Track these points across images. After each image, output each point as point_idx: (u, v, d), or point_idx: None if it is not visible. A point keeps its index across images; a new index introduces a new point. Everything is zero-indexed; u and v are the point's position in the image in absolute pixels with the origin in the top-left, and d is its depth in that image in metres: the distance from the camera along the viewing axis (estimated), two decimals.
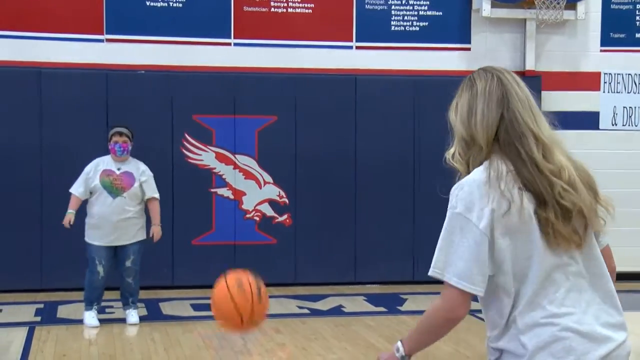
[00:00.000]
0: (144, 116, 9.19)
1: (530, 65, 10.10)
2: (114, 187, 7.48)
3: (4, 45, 9.21)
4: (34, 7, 9.26)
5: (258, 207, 9.71)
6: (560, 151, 2.39)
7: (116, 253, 7.60)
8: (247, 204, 9.68)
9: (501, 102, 2.38)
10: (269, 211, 9.73)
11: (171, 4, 9.59)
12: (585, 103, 10.22)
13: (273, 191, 9.71)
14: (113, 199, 7.48)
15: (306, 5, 9.85)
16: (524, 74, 10.05)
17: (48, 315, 8.19)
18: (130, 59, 9.46)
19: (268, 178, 9.70)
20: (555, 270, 2.31)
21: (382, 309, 8.63)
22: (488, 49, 10.16)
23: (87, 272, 7.66)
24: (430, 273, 2.35)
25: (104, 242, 7.51)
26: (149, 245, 7.85)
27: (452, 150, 2.46)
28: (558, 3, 9.57)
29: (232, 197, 9.59)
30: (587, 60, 10.31)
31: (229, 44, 9.70)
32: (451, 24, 10.10)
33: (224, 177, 9.55)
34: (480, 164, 2.38)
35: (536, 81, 9.93)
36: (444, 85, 10.51)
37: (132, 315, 7.76)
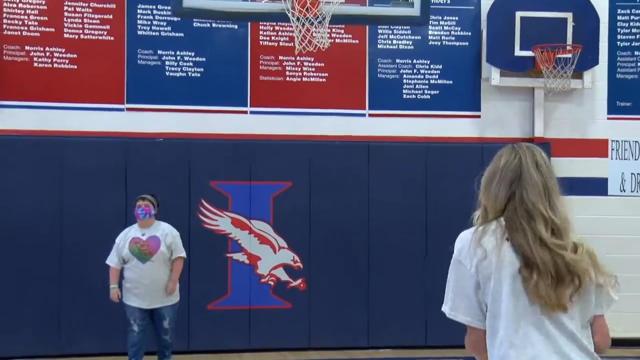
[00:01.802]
0: (162, 182, 9.33)
1: (539, 132, 10.22)
2: (142, 252, 7.72)
3: (30, 115, 9.44)
4: (59, 78, 9.51)
5: (273, 272, 9.76)
6: (571, 231, 2.60)
7: (152, 314, 7.79)
8: (262, 268, 9.73)
9: (513, 183, 2.62)
10: (283, 276, 9.77)
11: (189, 73, 9.81)
12: (594, 169, 10.31)
13: (287, 256, 9.77)
14: (143, 264, 7.69)
15: (320, 74, 10.06)
16: (532, 141, 10.18)
17: None
18: (150, 127, 9.66)
19: (283, 243, 9.77)
20: (530, 318, 2.54)
21: None
22: (498, 116, 10.31)
23: (127, 332, 7.85)
24: (443, 309, 2.72)
25: (141, 305, 7.72)
26: None
27: (477, 212, 2.75)
28: (565, 72, 9.73)
29: (247, 261, 9.66)
30: (595, 127, 10.43)
31: (245, 112, 9.90)
32: (461, 92, 10.26)
33: (239, 242, 9.64)
34: None
35: (545, 148, 10.02)
36: (455, 152, 10.80)
37: None
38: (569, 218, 2.61)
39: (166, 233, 7.81)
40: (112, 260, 7.82)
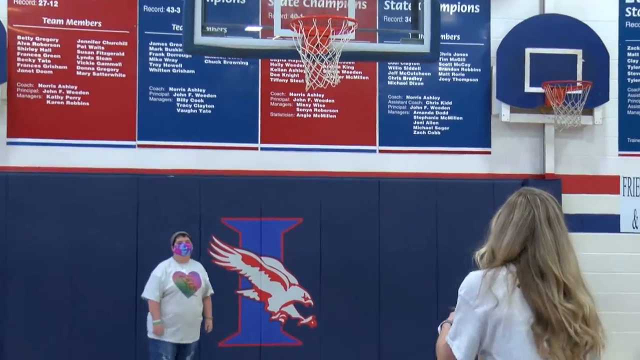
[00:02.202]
0: (173, 219, 9.34)
1: (549, 169, 10.20)
2: (188, 287, 7.91)
3: (42, 152, 9.49)
4: (71, 115, 9.56)
5: (283, 309, 9.71)
6: (582, 288, 2.67)
7: (178, 349, 7.90)
8: (273, 305, 9.69)
9: (527, 239, 2.68)
10: (294, 313, 9.72)
11: (200, 110, 9.85)
12: (605, 206, 10.26)
13: (298, 293, 9.73)
14: (187, 298, 7.85)
15: (330, 110, 10.08)
16: (543, 177, 10.19)
17: None
18: (161, 163, 9.69)
19: (293, 280, 9.74)
20: None
21: None
22: (508, 152, 10.28)
23: None
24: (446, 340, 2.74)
25: (174, 339, 7.68)
26: None
27: (482, 251, 2.81)
28: (575, 109, 9.73)
29: (257, 298, 9.62)
30: (606, 164, 10.40)
31: (256, 149, 9.91)
32: (472, 128, 10.25)
33: (249, 278, 9.62)
34: None
35: (556, 184, 10.00)
36: (466, 188, 10.79)
37: None
38: (581, 273, 2.70)
39: (203, 270, 8.15)
40: (153, 294, 7.85)
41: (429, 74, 10.23)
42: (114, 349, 9.26)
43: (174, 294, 7.82)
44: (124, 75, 9.69)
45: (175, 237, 8.15)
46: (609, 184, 10.36)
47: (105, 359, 9.25)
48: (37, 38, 9.52)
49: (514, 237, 2.69)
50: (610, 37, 10.30)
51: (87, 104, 9.60)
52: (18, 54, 9.46)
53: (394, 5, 10.17)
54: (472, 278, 2.71)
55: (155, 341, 7.78)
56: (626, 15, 10.50)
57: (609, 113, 10.36)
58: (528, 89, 9.95)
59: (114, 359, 9.23)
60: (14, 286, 9.15)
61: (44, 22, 9.55)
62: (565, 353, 2.56)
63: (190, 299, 7.89)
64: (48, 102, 9.53)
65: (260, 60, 9.79)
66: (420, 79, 10.23)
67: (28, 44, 9.50)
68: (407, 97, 10.19)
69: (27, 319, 9.15)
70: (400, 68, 10.19)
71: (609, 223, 10.21)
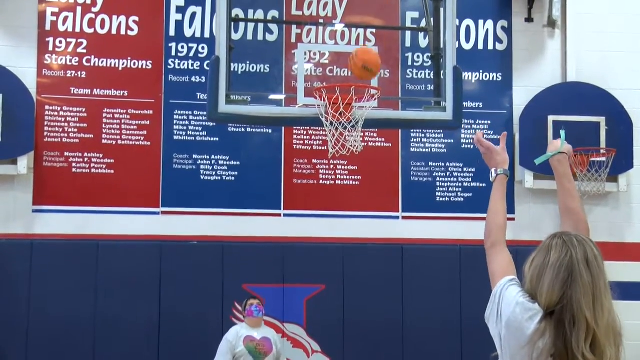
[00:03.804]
0: (196, 285, 9.36)
1: None
2: (258, 352, 7.84)
3: (68, 220, 9.53)
4: (96, 183, 9.63)
5: None
6: (611, 339, 2.54)
7: None
8: None
9: (566, 282, 2.58)
10: None
11: (224, 177, 9.89)
12: (633, 274, 10.12)
13: None
14: None
15: (353, 177, 10.09)
16: None
17: None
18: (184, 230, 9.69)
19: (316, 347, 9.65)
20: None
21: None
22: (532, 218, 10.21)
23: None
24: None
25: None
26: None
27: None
28: (600, 176, 9.69)
29: None
30: (632, 231, 10.31)
31: (279, 215, 9.93)
32: None
33: None
34: None
35: None
36: None
37: None
38: (616, 321, 2.58)
39: (275, 335, 8.09)
40: (224, 357, 7.79)
41: (452, 140, 10.25)
42: None
43: (243, 358, 7.76)
44: (149, 143, 9.78)
45: (247, 301, 8.20)
46: (636, 252, 10.24)
47: None
48: (64, 107, 9.64)
49: (553, 280, 2.60)
50: (633, 104, 10.27)
51: (112, 171, 9.68)
52: (45, 123, 9.58)
53: (417, 74, 10.25)
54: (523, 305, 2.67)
55: None
56: None
57: (634, 180, 10.29)
58: None
59: None
60: (36, 355, 9.12)
61: (72, 92, 9.67)
62: None
63: None
64: (74, 170, 9.61)
65: (283, 128, 9.86)
66: (443, 146, 10.26)
67: (56, 113, 9.62)
68: (430, 163, 10.21)
69: None
70: (423, 135, 10.22)
71: (636, 291, 10.06)
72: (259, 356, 7.81)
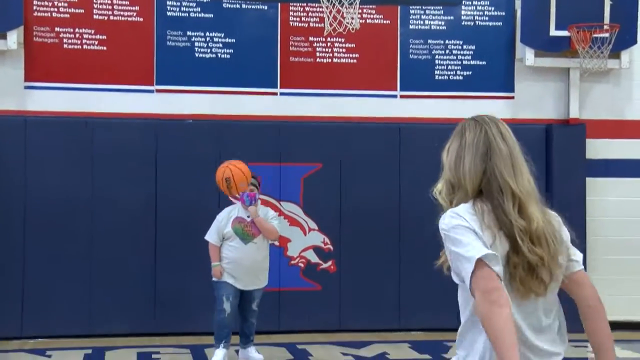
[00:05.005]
0: (192, 164, 9.34)
1: (574, 114, 10.02)
2: (246, 233, 7.70)
3: (59, 96, 9.41)
4: (88, 60, 9.46)
5: (303, 254, 9.70)
6: (534, 203, 2.63)
7: (242, 295, 7.75)
8: (292, 250, 9.68)
9: (485, 156, 2.65)
10: (313, 258, 9.71)
11: (219, 54, 9.72)
12: (630, 151, 10.09)
13: (318, 238, 9.71)
14: (245, 245, 7.67)
15: (351, 55, 9.93)
16: (567, 123, 10.03)
17: None
18: (180, 108, 9.59)
19: (313, 225, 9.71)
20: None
21: (426, 356, 8.54)
22: (532, 97, 10.12)
23: (215, 312, 7.76)
24: (455, 278, 2.62)
25: (233, 283, 7.66)
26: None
27: (439, 186, 2.77)
28: (602, 52, 9.52)
29: (277, 243, 9.56)
30: (632, 108, 10.21)
31: (275, 94, 9.80)
32: (495, 73, 10.09)
33: None
34: (464, 203, 2.66)
35: (580, 129, 9.86)
36: None
37: (256, 352, 7.90)
38: (533, 187, 2.66)
39: (269, 217, 7.81)
40: (212, 237, 7.74)
41: (452, 17, 10.05)
42: (133, 295, 9.29)
43: (231, 239, 7.69)
44: (141, 19, 9.55)
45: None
46: (634, 129, 10.17)
47: (125, 305, 9.27)
48: None
49: (473, 157, 2.67)
50: None
51: (105, 48, 9.49)
52: None
53: None
54: (462, 211, 2.62)
55: (216, 283, 7.71)
56: None
57: (636, 56, 10.12)
58: (553, 32, 9.75)
59: (134, 305, 9.26)
60: (34, 232, 9.14)
61: None
62: (523, 278, 2.55)
63: (248, 246, 7.68)
64: (65, 46, 9.42)
65: (279, 4, 9.67)
66: (443, 23, 10.06)
67: None
68: (429, 41, 10.03)
69: (47, 265, 9.16)
70: (423, 12, 10.02)
71: (634, 168, 10.07)
72: (247, 238, 7.70)
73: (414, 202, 9.60)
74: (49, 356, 8.39)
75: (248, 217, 7.73)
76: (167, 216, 9.36)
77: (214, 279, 7.73)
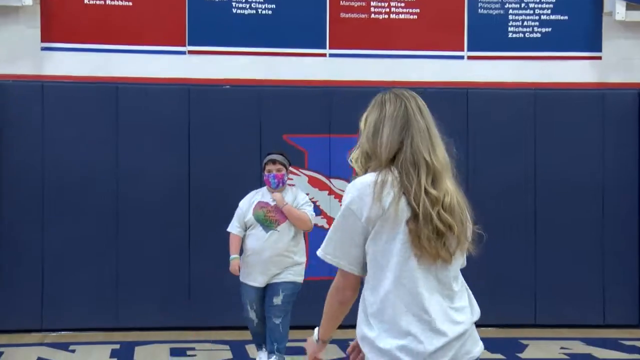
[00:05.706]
0: (229, 136, 9.28)
1: None
2: (267, 219, 7.20)
3: (81, 59, 9.42)
4: (112, 17, 9.48)
5: None
6: (448, 178, 3.01)
7: (265, 291, 7.25)
8: None
9: (403, 129, 3.00)
10: None
11: (259, 10, 9.65)
12: None
13: None
14: (266, 233, 7.19)
15: (411, 10, 9.82)
16: None
17: (124, 357, 8.17)
18: (215, 72, 9.57)
19: None
20: (415, 270, 2.93)
21: (499, 355, 8.19)
22: (621, 57, 9.96)
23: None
24: (319, 254, 3.01)
25: (256, 283, 7.19)
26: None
27: (355, 155, 3.07)
28: None
29: (326, 226, 9.28)
30: None
31: (324, 55, 9.74)
32: (579, 29, 9.96)
33: (317, 204, 9.35)
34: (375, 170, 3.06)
35: None
36: (570, 100, 10.39)
37: None
38: (448, 162, 3.02)
39: (298, 202, 7.23)
40: (233, 227, 7.28)
41: None
42: (165, 284, 9.24)
43: (253, 227, 7.21)
44: None
45: (265, 163, 7.36)
46: None
47: (155, 295, 9.23)
48: None
49: (391, 129, 3.00)
50: None
51: (130, 4, 9.51)
52: None
53: None
54: (358, 186, 2.97)
55: (241, 287, 7.28)
56: None
57: None
58: None
59: (165, 285, 9.24)
60: (52, 212, 9.15)
61: None
62: (431, 243, 2.88)
63: (270, 235, 7.15)
64: (86, 1, 9.45)
65: None
66: None
67: None
68: None
69: (68, 248, 9.12)
70: None
71: None
72: (269, 225, 7.15)
73: (485, 179, 9.52)
74: (73, 351, 8.35)
75: (273, 201, 7.22)
76: (202, 194, 9.29)
77: (240, 279, 7.23)
